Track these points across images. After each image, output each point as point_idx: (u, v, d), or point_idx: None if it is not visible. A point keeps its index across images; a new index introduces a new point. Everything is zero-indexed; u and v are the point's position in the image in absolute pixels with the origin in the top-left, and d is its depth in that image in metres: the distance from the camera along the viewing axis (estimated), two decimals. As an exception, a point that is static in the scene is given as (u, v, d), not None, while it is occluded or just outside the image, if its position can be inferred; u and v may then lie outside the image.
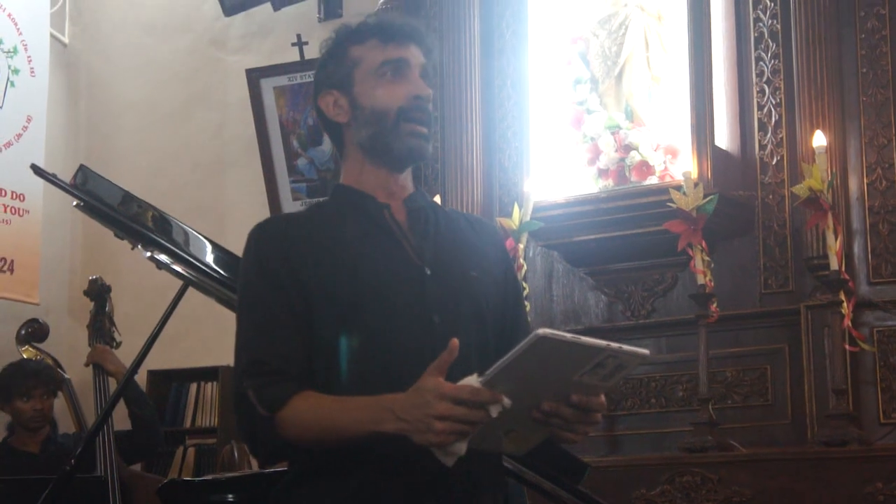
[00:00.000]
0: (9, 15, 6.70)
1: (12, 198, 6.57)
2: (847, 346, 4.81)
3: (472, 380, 1.88)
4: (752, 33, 5.47)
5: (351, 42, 2.28)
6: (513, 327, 2.30)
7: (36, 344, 5.35)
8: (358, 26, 2.30)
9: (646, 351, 1.94)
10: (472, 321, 2.19)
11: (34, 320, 5.48)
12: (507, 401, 1.87)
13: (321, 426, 2.04)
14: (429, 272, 2.18)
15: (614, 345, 1.88)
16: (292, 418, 2.06)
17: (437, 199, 5.58)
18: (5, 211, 6.53)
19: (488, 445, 2.02)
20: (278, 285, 2.14)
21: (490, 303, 2.25)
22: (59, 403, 5.39)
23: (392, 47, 2.25)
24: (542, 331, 1.82)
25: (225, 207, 7.10)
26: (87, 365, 5.04)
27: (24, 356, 5.31)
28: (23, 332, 5.38)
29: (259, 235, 2.22)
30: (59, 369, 5.26)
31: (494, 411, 1.87)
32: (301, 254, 2.16)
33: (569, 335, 1.85)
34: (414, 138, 2.22)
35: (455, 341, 1.92)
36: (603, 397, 1.99)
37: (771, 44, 5.42)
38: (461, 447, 1.90)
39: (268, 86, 6.81)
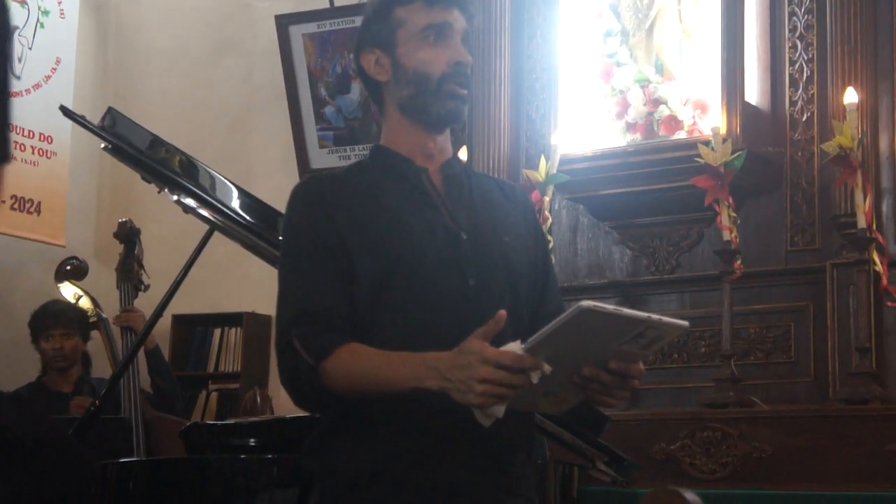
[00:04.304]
0: (40, -44, 6.70)
1: (40, 139, 6.59)
2: (888, 303, 4.80)
3: (515, 346, 1.94)
4: (785, -12, 5.42)
5: (396, 3, 2.31)
6: (542, 292, 2.35)
7: (75, 281, 5.38)
8: None
9: (685, 323, 1.99)
10: (506, 285, 2.24)
11: (74, 257, 5.49)
12: (547, 367, 1.92)
13: (365, 377, 2.09)
14: (465, 237, 2.23)
15: (654, 316, 1.93)
16: (337, 368, 2.10)
17: (464, 150, 5.57)
18: (33, 152, 6.55)
19: (526, 406, 2.09)
20: (322, 241, 2.19)
21: (522, 268, 2.30)
22: (98, 344, 5.43)
23: (437, 10, 2.28)
24: (584, 303, 1.86)
25: (252, 154, 7.10)
26: (118, 325, 5.06)
27: (63, 292, 5.35)
28: (63, 268, 5.41)
29: (303, 193, 2.27)
30: (96, 308, 5.29)
31: (535, 377, 1.92)
32: (342, 213, 2.21)
33: (610, 307, 1.90)
34: (452, 100, 2.27)
35: (502, 312, 1.97)
36: (641, 364, 2.04)
37: (804, -1, 5.37)
38: (500, 409, 1.96)
39: (297, 33, 6.79)
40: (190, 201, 3.49)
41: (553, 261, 4.63)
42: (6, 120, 1.44)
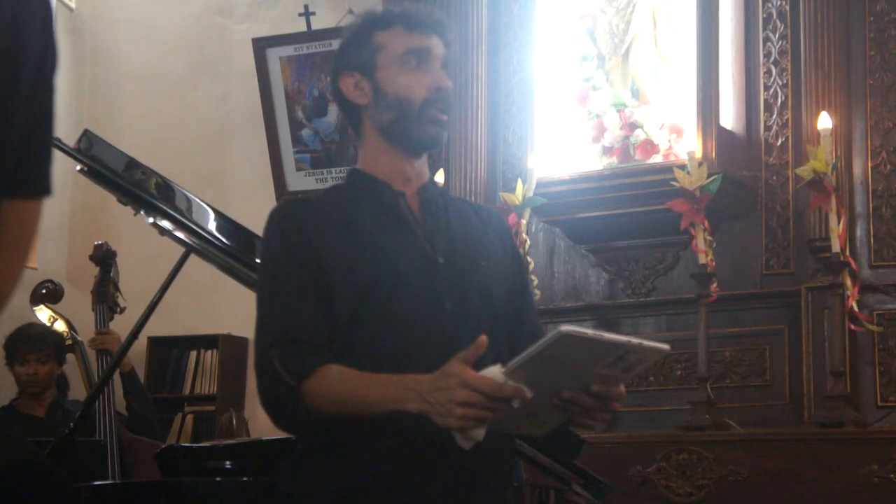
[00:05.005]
0: (15, -22, 6.67)
1: (15, 162, 6.55)
2: (852, 326, 4.82)
3: (496, 370, 1.93)
4: (760, 14, 5.46)
5: (375, 27, 2.32)
6: (519, 315, 2.36)
7: (50, 304, 5.35)
8: (383, 13, 2.36)
9: (666, 346, 1.99)
10: (483, 309, 2.24)
11: (49, 281, 5.46)
12: (528, 392, 1.92)
13: (345, 399, 2.09)
14: (441, 261, 2.24)
15: (635, 340, 1.92)
16: (317, 389, 2.10)
17: (441, 173, 5.58)
18: (8, 175, 6.52)
19: (508, 428, 2.08)
20: (300, 264, 2.19)
21: (499, 292, 2.30)
22: (73, 366, 5.40)
23: (416, 36, 2.29)
24: (565, 328, 1.86)
25: (228, 177, 7.09)
26: (94, 347, 5.03)
27: (38, 315, 5.31)
28: (39, 291, 5.38)
29: (281, 216, 2.27)
30: (72, 331, 5.27)
31: (516, 402, 1.92)
32: (319, 236, 2.21)
33: (591, 332, 1.89)
34: (434, 126, 2.27)
35: (483, 338, 1.97)
36: (622, 387, 2.03)
37: (779, 24, 5.41)
38: (480, 433, 1.96)
39: (274, 56, 6.80)
40: (166, 224, 3.48)
41: (534, 282, 4.63)
42: (51, 154, 1.45)
